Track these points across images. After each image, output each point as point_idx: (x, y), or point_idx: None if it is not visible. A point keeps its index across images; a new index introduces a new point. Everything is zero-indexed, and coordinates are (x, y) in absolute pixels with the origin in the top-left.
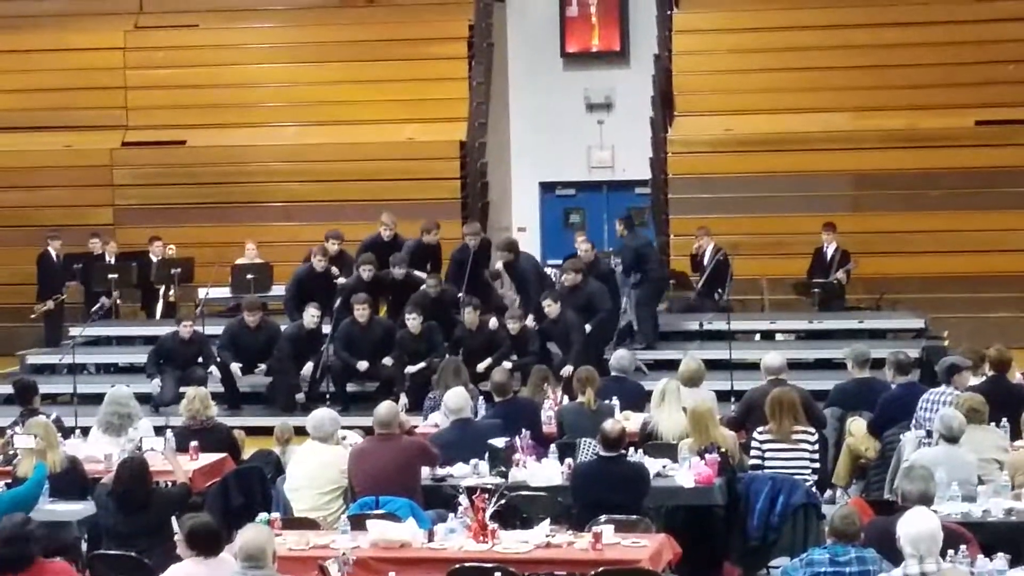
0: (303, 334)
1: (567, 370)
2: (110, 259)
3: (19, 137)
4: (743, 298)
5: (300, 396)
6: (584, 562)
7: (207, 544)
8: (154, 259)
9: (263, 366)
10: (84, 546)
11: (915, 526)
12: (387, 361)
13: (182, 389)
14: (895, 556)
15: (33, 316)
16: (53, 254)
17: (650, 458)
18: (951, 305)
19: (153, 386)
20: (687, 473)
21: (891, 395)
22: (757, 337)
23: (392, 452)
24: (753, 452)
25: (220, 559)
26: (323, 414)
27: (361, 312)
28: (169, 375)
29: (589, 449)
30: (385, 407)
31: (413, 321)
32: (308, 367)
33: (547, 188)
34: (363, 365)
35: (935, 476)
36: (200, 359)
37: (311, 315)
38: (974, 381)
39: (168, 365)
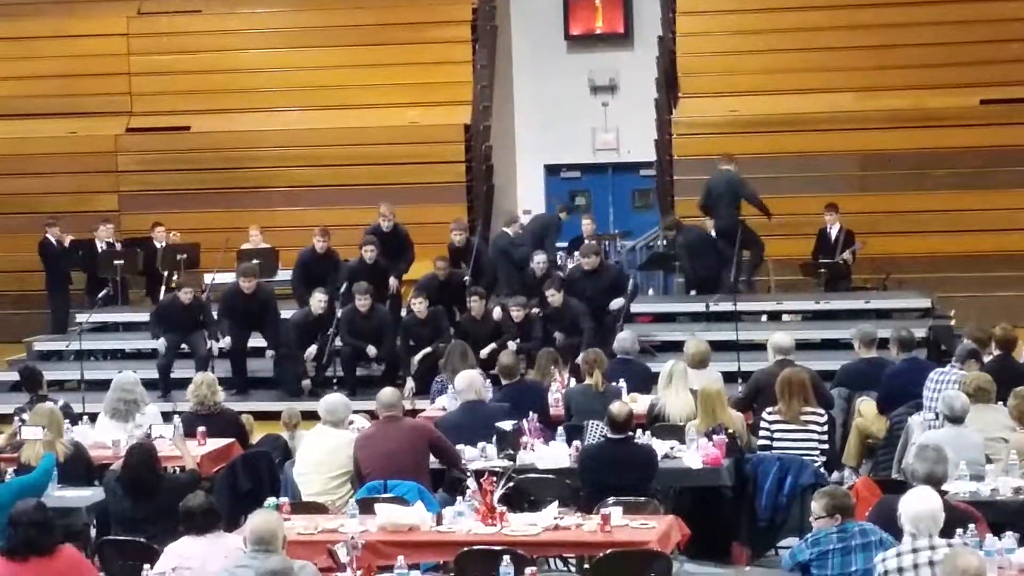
0: (311, 319)
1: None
2: (102, 246)
3: (23, 124)
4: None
5: (307, 382)
6: (592, 544)
7: (202, 522)
8: (157, 245)
9: (270, 354)
10: (93, 532)
11: (916, 504)
12: (371, 350)
13: (183, 372)
14: (901, 534)
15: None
16: (53, 240)
17: (658, 440)
18: (958, 284)
19: (160, 344)
20: (695, 454)
21: (895, 370)
22: (764, 318)
23: (399, 434)
24: (762, 433)
25: (216, 535)
26: (336, 399)
27: (362, 302)
28: (169, 342)
29: (597, 431)
30: (388, 390)
31: (419, 305)
32: (311, 350)
33: (552, 171)
34: (372, 350)
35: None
36: (201, 326)
37: (318, 300)
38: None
39: (169, 332)
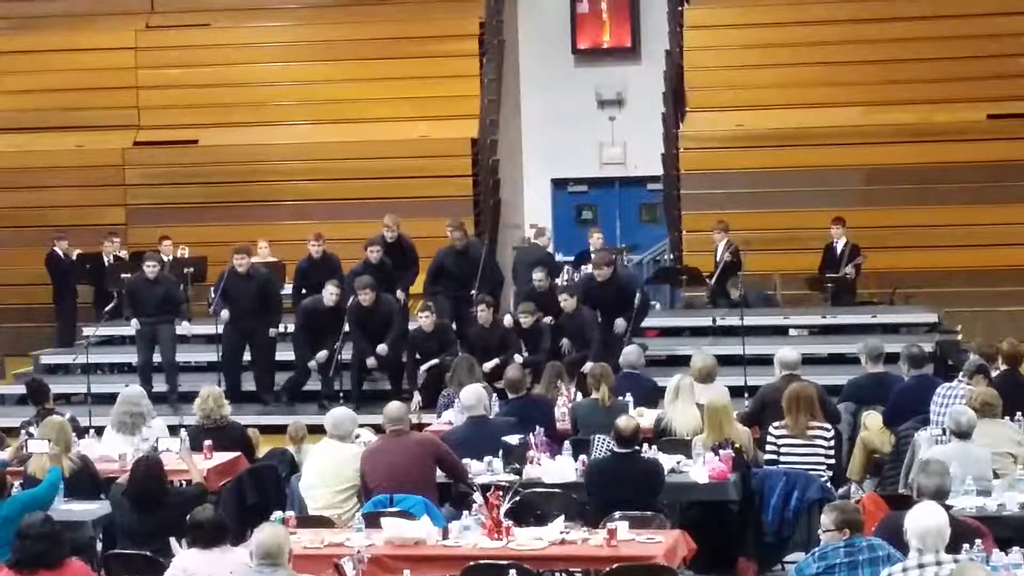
0: (321, 310)
1: (589, 367)
2: (109, 259)
3: (30, 137)
4: (755, 293)
5: (315, 395)
6: (599, 558)
7: (209, 535)
8: (164, 258)
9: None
10: (99, 545)
11: (922, 520)
12: (381, 348)
13: (191, 386)
14: (907, 550)
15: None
16: (60, 254)
17: (664, 454)
18: (964, 299)
19: (133, 324)
20: (701, 469)
21: (904, 386)
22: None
23: (405, 448)
24: (768, 448)
25: (223, 549)
26: (343, 413)
27: (364, 297)
28: (141, 327)
29: (603, 445)
30: (395, 405)
31: (426, 320)
32: (322, 355)
33: (559, 185)
34: (383, 348)
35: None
36: (170, 309)
37: (330, 292)
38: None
39: (140, 315)
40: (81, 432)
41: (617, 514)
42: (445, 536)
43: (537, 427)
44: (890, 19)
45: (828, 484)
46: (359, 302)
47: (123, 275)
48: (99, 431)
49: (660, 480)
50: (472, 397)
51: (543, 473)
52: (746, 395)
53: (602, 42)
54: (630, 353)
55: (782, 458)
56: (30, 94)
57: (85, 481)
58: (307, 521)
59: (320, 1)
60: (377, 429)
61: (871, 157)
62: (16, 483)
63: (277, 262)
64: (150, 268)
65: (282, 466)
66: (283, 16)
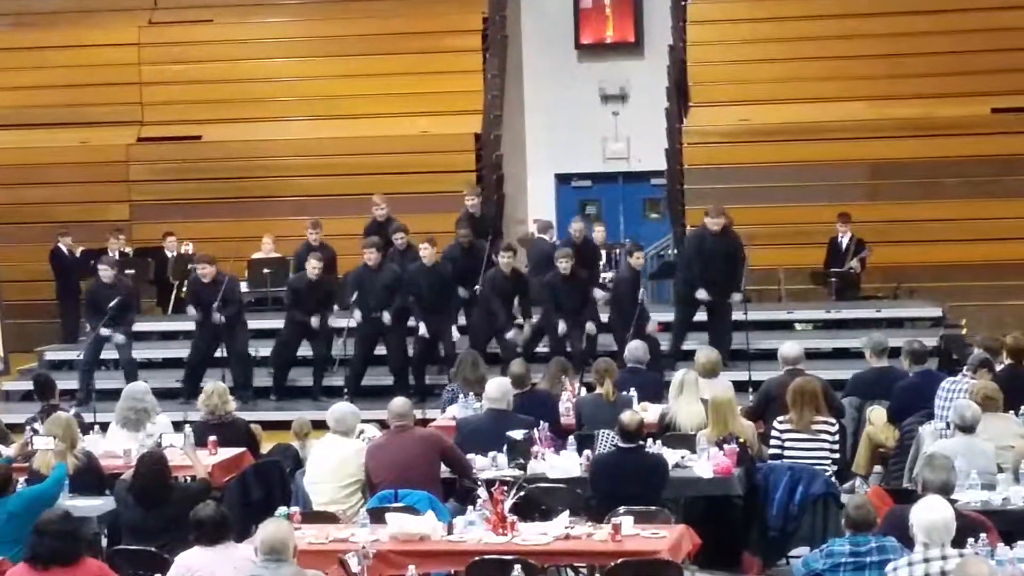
0: (304, 285)
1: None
2: (113, 255)
3: (34, 134)
4: (760, 288)
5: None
6: (603, 553)
7: (212, 533)
8: (169, 254)
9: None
10: (104, 542)
11: (929, 514)
12: (386, 318)
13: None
14: (913, 544)
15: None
16: (64, 250)
17: (668, 449)
18: (969, 293)
19: (117, 338)
20: (706, 464)
21: (907, 383)
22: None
23: (410, 443)
24: (773, 442)
25: (226, 546)
26: (344, 408)
27: (371, 256)
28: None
29: (607, 441)
30: (400, 400)
31: (425, 251)
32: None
33: (563, 180)
34: (387, 317)
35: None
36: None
37: (313, 265)
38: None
39: (96, 317)
40: (85, 428)
41: (621, 509)
42: (450, 531)
43: (541, 422)
44: (894, 13)
45: (833, 479)
46: (365, 263)
47: (127, 271)
48: (103, 427)
49: (664, 475)
50: (498, 390)
51: (547, 468)
52: (750, 390)
53: (605, 37)
54: (636, 348)
55: (786, 453)
56: (33, 90)
57: (90, 477)
58: (312, 516)
59: None
60: (382, 424)
61: (875, 151)
62: (21, 479)
63: (280, 258)
64: (104, 271)
65: (287, 462)
66: (286, 12)
